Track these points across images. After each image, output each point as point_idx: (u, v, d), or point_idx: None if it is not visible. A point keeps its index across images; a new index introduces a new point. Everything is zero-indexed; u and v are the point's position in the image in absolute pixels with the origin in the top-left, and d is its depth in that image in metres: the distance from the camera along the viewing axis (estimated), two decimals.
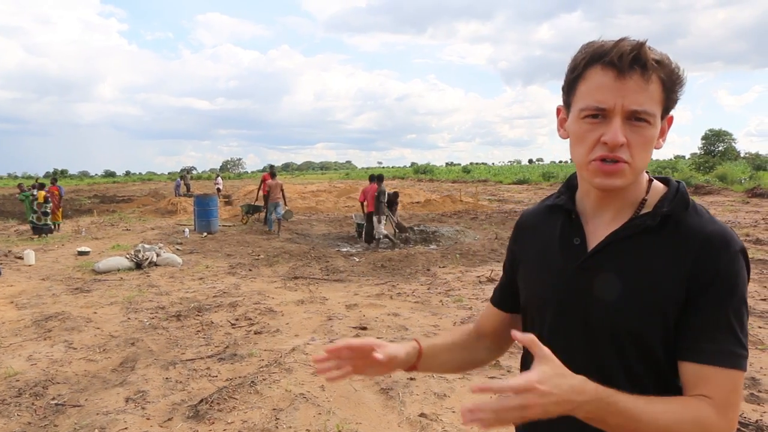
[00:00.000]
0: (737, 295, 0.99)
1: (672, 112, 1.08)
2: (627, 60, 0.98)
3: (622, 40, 1.01)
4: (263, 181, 16.18)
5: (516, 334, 0.93)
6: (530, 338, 0.92)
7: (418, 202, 22.41)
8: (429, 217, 17.77)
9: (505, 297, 1.36)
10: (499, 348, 1.40)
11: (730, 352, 0.97)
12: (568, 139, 1.12)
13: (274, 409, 4.13)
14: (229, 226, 16.77)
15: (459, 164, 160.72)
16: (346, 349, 1.13)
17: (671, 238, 1.03)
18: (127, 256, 10.46)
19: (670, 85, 1.02)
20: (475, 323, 1.43)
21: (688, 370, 0.99)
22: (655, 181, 1.14)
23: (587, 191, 1.15)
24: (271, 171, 15.89)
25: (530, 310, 1.24)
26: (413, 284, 8.31)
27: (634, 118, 1.00)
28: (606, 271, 1.07)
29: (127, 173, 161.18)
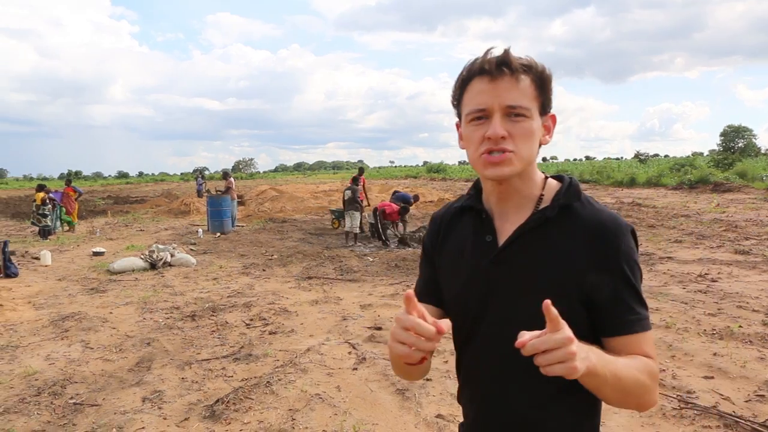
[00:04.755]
0: (637, 267, 1.16)
1: (553, 111, 1.22)
2: (494, 64, 1.14)
3: (489, 50, 1.16)
4: (363, 183, 15.43)
5: (546, 302, 0.91)
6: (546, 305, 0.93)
7: (431, 202, 22.36)
8: None
9: (430, 290, 1.36)
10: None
11: (646, 317, 1.16)
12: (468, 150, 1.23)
13: (290, 410, 4.13)
14: (242, 226, 16.82)
15: None
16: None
17: (569, 226, 1.17)
18: (142, 256, 10.53)
19: (541, 83, 1.17)
20: None
21: (622, 342, 1.13)
22: (549, 178, 1.28)
23: (490, 190, 1.27)
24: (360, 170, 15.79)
25: (454, 308, 1.30)
26: None
27: (512, 113, 1.14)
28: (518, 263, 1.19)
29: (140, 174, 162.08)
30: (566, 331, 0.91)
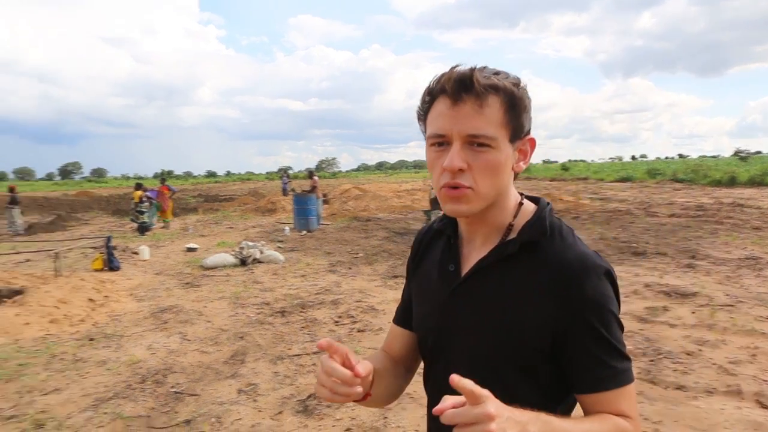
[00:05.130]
0: (611, 315, 1.02)
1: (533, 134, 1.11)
2: (453, 86, 1.01)
3: (454, 67, 1.04)
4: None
5: (454, 377, 0.81)
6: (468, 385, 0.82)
7: None
8: None
9: (407, 315, 1.33)
10: (410, 370, 1.36)
11: (624, 370, 1.03)
12: None
13: (382, 408, 4.14)
14: (327, 224, 17.11)
15: (556, 162, 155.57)
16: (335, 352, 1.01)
17: (533, 265, 1.05)
18: (232, 253, 10.89)
19: (512, 106, 1.03)
20: (382, 349, 1.38)
21: (594, 400, 1.03)
22: (526, 203, 1.15)
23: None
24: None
25: (417, 336, 1.27)
26: None
27: (475, 143, 1.01)
28: (473, 299, 1.10)
29: (228, 173, 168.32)
30: (487, 406, 0.80)
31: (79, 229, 19.15)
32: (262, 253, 10.81)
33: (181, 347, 5.72)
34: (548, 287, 1.02)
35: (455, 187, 1.02)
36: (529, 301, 1.03)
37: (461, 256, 1.17)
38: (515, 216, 1.12)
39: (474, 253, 1.14)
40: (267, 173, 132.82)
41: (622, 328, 1.05)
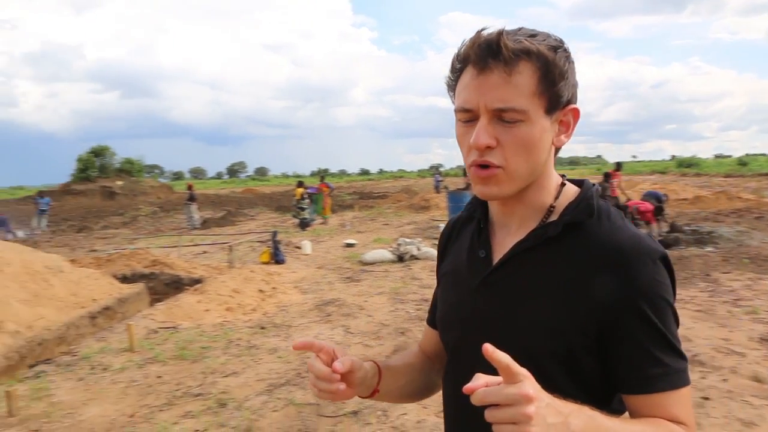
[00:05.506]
0: (667, 305, 0.91)
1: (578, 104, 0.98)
2: (478, 53, 0.90)
3: (480, 30, 0.93)
4: (618, 179, 14.29)
5: (487, 347, 0.72)
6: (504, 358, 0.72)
7: (685, 199, 20.24)
8: (700, 215, 15.90)
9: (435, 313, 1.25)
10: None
11: (679, 370, 0.91)
12: None
13: None
14: None
15: (730, 156, 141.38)
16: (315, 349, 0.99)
17: (577, 249, 0.95)
18: (390, 249, 11.09)
19: (547, 73, 0.91)
20: (418, 345, 1.33)
21: (642, 402, 0.91)
22: (568, 184, 1.05)
23: None
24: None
25: (440, 329, 1.18)
26: (691, 290, 7.46)
27: (504, 117, 0.90)
28: (507, 288, 0.99)
29: (380, 171, 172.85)
30: (525, 386, 0.71)
31: (246, 224, 20.60)
32: (419, 249, 10.91)
33: (345, 340, 5.89)
34: (595, 272, 0.92)
35: (485, 167, 0.93)
36: (573, 287, 0.93)
37: (493, 242, 1.07)
38: (557, 197, 1.02)
39: (509, 237, 1.03)
40: (418, 171, 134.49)
41: (678, 322, 0.93)
